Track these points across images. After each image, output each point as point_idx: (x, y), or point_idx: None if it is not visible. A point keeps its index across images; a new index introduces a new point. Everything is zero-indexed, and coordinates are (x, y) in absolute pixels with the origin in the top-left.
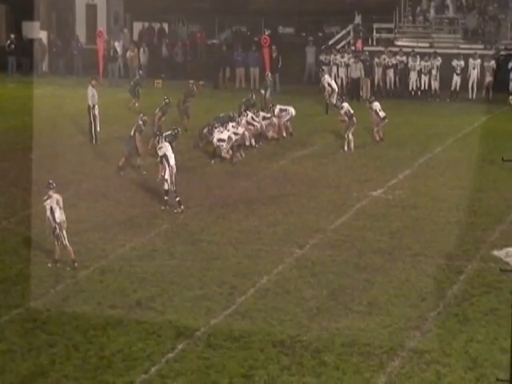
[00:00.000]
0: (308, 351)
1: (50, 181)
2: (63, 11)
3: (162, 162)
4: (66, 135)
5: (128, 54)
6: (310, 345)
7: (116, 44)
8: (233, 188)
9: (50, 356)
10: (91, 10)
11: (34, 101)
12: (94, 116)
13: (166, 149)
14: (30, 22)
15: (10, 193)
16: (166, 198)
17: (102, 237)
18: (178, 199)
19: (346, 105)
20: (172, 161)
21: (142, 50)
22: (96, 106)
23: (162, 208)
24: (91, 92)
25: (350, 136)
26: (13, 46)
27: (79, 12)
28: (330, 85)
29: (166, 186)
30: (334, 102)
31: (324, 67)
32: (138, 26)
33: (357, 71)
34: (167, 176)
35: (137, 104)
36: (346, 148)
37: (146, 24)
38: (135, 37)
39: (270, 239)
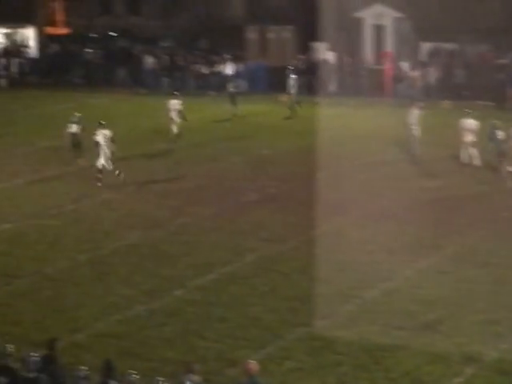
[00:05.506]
0: None
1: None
2: (350, 32)
3: None
4: (352, 156)
5: (413, 74)
6: None
7: (403, 64)
8: None
9: (338, 375)
10: (378, 30)
11: (320, 121)
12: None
13: None
14: (318, 43)
15: (298, 212)
16: None
17: (389, 258)
18: None
19: None
20: None
21: (429, 70)
22: (415, 128)
23: None
24: (414, 114)
25: None
26: (301, 67)
27: (366, 33)
28: None
29: None
30: None
31: None
32: (426, 47)
33: None
34: None
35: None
36: None
37: (435, 44)
38: (423, 57)
39: None
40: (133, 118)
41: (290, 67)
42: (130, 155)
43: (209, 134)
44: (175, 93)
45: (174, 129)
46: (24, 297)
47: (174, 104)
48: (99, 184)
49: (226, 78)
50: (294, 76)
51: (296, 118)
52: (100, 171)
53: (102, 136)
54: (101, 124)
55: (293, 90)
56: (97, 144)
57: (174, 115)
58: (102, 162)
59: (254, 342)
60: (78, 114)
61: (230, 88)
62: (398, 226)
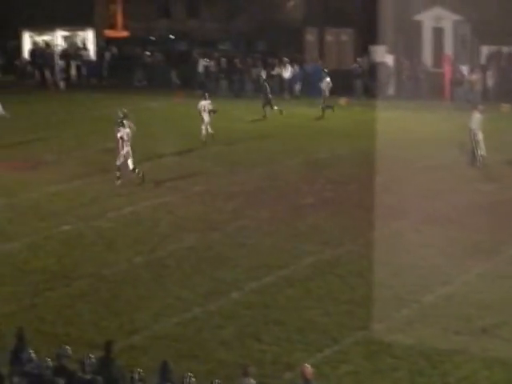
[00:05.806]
0: None
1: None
2: (410, 35)
3: None
4: (410, 159)
5: (471, 77)
6: None
7: (462, 68)
8: None
9: (394, 380)
10: (438, 33)
11: (379, 124)
12: (476, 140)
13: None
14: (377, 46)
15: (356, 215)
16: None
17: (447, 262)
18: None
19: None
20: None
21: (489, 73)
22: (477, 132)
23: None
24: (476, 118)
25: None
26: (360, 70)
27: (426, 35)
28: None
29: None
30: None
31: None
32: (485, 50)
33: None
34: None
35: None
36: None
37: (494, 47)
38: (482, 60)
39: None
40: (188, 120)
41: (325, 70)
42: (186, 157)
43: (265, 137)
44: (206, 94)
45: (209, 129)
46: (82, 298)
47: (204, 105)
48: (118, 182)
49: (284, 81)
50: (327, 79)
51: (324, 119)
52: (119, 169)
53: (125, 134)
54: (122, 123)
55: (325, 92)
56: (119, 141)
57: (205, 116)
58: (121, 160)
59: (310, 346)
60: (124, 110)
61: (266, 90)
62: (456, 229)
